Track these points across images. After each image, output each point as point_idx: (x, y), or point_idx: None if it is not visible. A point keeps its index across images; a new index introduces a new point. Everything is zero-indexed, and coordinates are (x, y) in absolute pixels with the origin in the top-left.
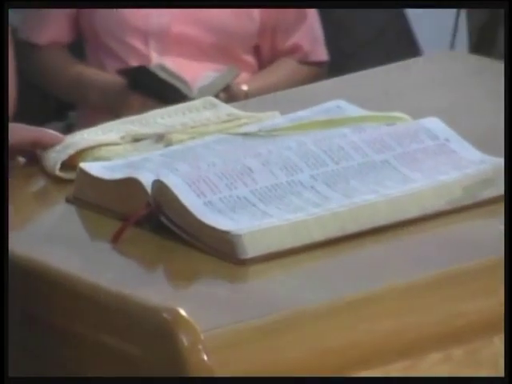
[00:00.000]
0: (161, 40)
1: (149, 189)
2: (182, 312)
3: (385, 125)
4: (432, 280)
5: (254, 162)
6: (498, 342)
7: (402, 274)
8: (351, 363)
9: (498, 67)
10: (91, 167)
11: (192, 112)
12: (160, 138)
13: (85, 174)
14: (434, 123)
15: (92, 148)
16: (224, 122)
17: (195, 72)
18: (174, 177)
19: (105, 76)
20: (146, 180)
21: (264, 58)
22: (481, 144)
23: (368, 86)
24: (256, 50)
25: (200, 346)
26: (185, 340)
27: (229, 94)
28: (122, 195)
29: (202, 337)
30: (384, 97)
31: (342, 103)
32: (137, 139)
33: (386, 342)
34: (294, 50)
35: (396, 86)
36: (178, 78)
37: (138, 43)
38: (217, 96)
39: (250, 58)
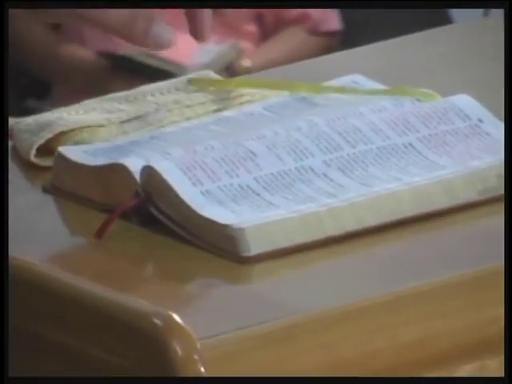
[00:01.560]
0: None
1: (137, 176)
2: (176, 317)
3: (408, 102)
4: (463, 281)
5: (257, 146)
6: None
7: (428, 274)
8: (370, 375)
9: None
10: (71, 151)
11: (187, 88)
12: (150, 118)
13: (64, 160)
14: (465, 101)
15: (72, 130)
16: (224, 99)
17: (188, 44)
18: (167, 162)
19: (86, 54)
20: (134, 166)
21: (268, 27)
22: None
23: (388, 59)
24: (258, 19)
25: (196, 356)
26: (179, 349)
27: (230, 74)
28: (106, 184)
29: (199, 345)
30: (407, 71)
31: (359, 78)
32: (124, 120)
33: (411, 353)
34: (301, 19)
35: (421, 59)
36: (168, 62)
37: None
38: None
39: (251, 27)
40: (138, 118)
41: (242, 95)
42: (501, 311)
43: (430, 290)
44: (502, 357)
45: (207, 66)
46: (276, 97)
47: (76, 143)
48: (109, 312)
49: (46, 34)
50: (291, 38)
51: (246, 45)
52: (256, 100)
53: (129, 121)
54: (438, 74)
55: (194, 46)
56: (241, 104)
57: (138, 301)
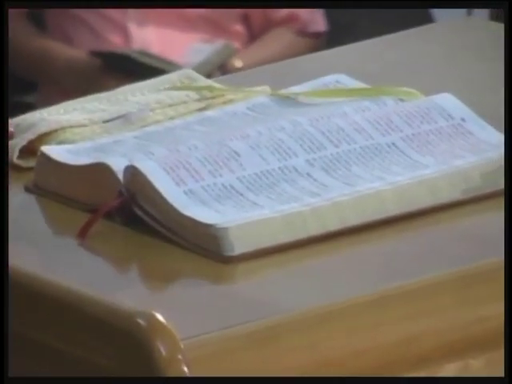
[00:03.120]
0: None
1: (120, 176)
2: (159, 317)
3: (392, 102)
4: (447, 280)
5: (241, 145)
6: None
7: (411, 273)
8: (354, 375)
9: None
10: (54, 151)
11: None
12: (133, 118)
13: (47, 159)
14: (448, 100)
15: (55, 131)
16: (207, 99)
17: (180, 43)
18: (150, 162)
19: (74, 53)
20: (118, 166)
21: (255, 27)
22: (502, 124)
23: (372, 58)
24: (246, 19)
25: (179, 356)
26: (162, 349)
27: (222, 73)
28: (89, 183)
29: (182, 345)
30: (390, 70)
31: (343, 77)
32: (106, 120)
33: (395, 352)
34: (289, 20)
35: (404, 58)
36: (163, 60)
37: (114, 12)
38: (210, 76)
39: (238, 28)
40: (120, 117)
41: (224, 94)
42: (485, 310)
43: (414, 289)
44: (486, 356)
45: (200, 65)
46: (259, 96)
47: (59, 143)
48: (93, 312)
49: (33, 35)
50: (280, 39)
51: (235, 45)
52: (239, 99)
53: (111, 120)
54: (421, 73)
55: (188, 44)
56: (224, 103)
57: (121, 301)
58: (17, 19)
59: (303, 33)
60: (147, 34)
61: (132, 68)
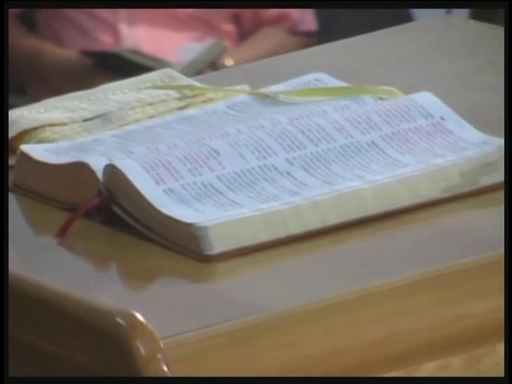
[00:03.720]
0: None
1: (100, 175)
2: (139, 316)
3: (371, 100)
4: (426, 279)
5: (220, 144)
6: (502, 350)
7: (391, 272)
8: (333, 374)
9: (500, 34)
10: (34, 150)
11: (148, 87)
12: (113, 117)
13: (26, 158)
14: (427, 99)
15: (35, 129)
16: (187, 97)
17: (171, 43)
18: (129, 161)
19: (66, 53)
20: (97, 164)
21: (246, 26)
22: (481, 123)
23: (351, 57)
24: (236, 18)
25: (159, 355)
26: (142, 348)
27: (213, 71)
28: (68, 182)
29: (162, 344)
30: (369, 68)
31: (322, 76)
32: (86, 118)
33: (374, 350)
34: (280, 19)
35: (384, 56)
36: (154, 59)
37: (104, 12)
38: (200, 73)
39: (229, 27)
40: (100, 116)
41: (204, 93)
42: (467, 309)
43: (394, 288)
44: (466, 354)
45: (191, 63)
46: (239, 95)
47: (38, 142)
48: (72, 312)
49: (22, 35)
50: (271, 38)
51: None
52: (219, 98)
53: (91, 119)
54: (400, 72)
55: (179, 44)
56: (204, 102)
57: (101, 300)
58: (8, 20)
59: (294, 32)
60: (138, 34)
61: (123, 67)
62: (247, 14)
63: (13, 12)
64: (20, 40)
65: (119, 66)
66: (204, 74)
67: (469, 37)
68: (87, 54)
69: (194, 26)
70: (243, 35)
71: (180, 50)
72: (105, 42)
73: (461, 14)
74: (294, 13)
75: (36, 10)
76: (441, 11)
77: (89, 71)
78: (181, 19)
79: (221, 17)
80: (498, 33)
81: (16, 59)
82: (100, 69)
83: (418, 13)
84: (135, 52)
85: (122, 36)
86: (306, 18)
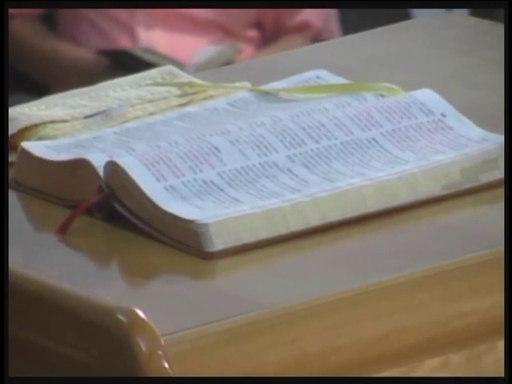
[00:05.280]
0: (148, 11)
1: (101, 171)
2: (140, 313)
3: (372, 97)
4: (427, 276)
5: (221, 141)
6: (503, 347)
7: (392, 269)
8: (334, 371)
9: (499, 31)
10: (34, 147)
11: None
12: (113, 114)
13: (27, 155)
14: (428, 96)
15: (35, 126)
16: (187, 94)
17: (189, 48)
18: (130, 158)
19: (82, 53)
20: (98, 161)
21: (267, 33)
22: (481, 120)
23: (352, 54)
24: (258, 25)
25: (160, 352)
26: (142, 345)
27: None
28: (69, 179)
29: (163, 341)
30: (370, 66)
31: (323, 73)
32: (87, 115)
33: (375, 347)
34: (303, 28)
35: (384, 54)
36: (167, 59)
37: (122, 14)
38: None
39: (251, 33)
40: (100, 113)
41: (205, 90)
42: (467, 306)
43: (394, 285)
44: (466, 351)
45: (204, 65)
46: (240, 92)
47: (39, 139)
48: (73, 308)
49: (42, 36)
50: (293, 46)
51: (247, 49)
52: (219, 95)
53: (92, 116)
54: (401, 69)
55: (196, 48)
56: (204, 99)
57: (101, 297)
58: (28, 20)
59: (317, 40)
60: (155, 37)
61: (138, 66)
62: (269, 20)
63: (35, 12)
64: (39, 40)
65: (134, 65)
66: None
67: (469, 33)
68: (103, 53)
69: (212, 31)
70: (264, 42)
71: (197, 53)
72: (122, 44)
73: (460, 12)
74: (317, 21)
75: (57, 10)
76: (440, 11)
77: (105, 71)
78: (199, 24)
79: (241, 23)
80: (497, 30)
81: (35, 59)
82: (116, 68)
83: (418, 13)
84: (149, 51)
85: (139, 39)
86: (330, 27)
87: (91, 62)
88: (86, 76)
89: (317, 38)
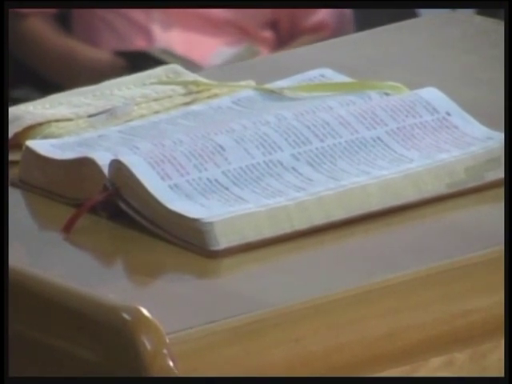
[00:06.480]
0: (165, 11)
1: (105, 170)
2: (145, 311)
3: (377, 96)
4: (431, 274)
5: (226, 139)
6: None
7: (396, 268)
8: (337, 369)
9: (503, 30)
10: (39, 145)
11: (153, 82)
12: (118, 112)
13: (32, 154)
14: (432, 94)
15: (40, 124)
16: (192, 93)
17: (204, 47)
18: (135, 156)
19: (99, 54)
20: (103, 160)
21: (283, 34)
22: (485, 118)
23: (357, 52)
24: (274, 26)
25: (165, 351)
26: (147, 343)
27: None
28: (74, 178)
29: (168, 340)
30: (375, 64)
31: (328, 72)
32: (92, 114)
33: (379, 346)
34: (319, 28)
35: (389, 52)
36: (184, 60)
37: (138, 14)
38: None
39: (266, 33)
40: (105, 112)
41: (209, 88)
42: (469, 304)
43: (399, 283)
44: (471, 349)
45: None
46: (245, 91)
47: (44, 137)
48: (77, 307)
49: (58, 37)
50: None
51: (262, 50)
52: (224, 94)
53: (96, 115)
54: (406, 67)
55: (213, 49)
56: (209, 97)
57: (106, 295)
58: (44, 19)
59: None
60: (171, 38)
61: (153, 67)
62: (285, 21)
63: (49, 12)
64: (54, 40)
65: (151, 66)
66: None
67: (474, 31)
68: (119, 54)
69: (229, 31)
70: (280, 43)
71: (214, 54)
72: (138, 45)
73: (466, 11)
74: (333, 22)
75: (72, 10)
76: (445, 11)
77: (122, 72)
78: (216, 24)
79: (257, 23)
80: (501, 28)
81: (50, 58)
82: (132, 69)
83: (424, 13)
84: (166, 52)
85: (155, 39)
86: (346, 28)
87: (107, 63)
88: (101, 77)
89: (332, 38)
